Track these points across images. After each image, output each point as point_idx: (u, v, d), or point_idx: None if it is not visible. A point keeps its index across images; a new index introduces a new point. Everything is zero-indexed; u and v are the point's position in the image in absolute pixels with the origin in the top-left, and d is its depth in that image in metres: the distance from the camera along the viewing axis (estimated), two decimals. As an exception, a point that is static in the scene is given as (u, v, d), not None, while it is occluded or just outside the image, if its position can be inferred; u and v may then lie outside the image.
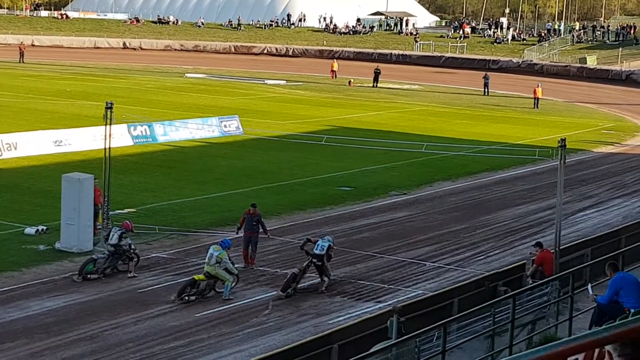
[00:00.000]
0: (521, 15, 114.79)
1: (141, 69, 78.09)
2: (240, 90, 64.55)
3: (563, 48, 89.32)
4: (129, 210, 28.31)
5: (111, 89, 59.39)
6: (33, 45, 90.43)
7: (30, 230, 25.42)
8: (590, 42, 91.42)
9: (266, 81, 71.86)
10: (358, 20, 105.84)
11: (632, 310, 13.93)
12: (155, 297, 21.00)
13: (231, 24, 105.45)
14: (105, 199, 24.90)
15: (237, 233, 24.09)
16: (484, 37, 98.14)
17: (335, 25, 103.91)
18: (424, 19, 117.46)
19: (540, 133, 48.66)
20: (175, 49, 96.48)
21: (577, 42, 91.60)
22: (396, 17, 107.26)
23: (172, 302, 20.57)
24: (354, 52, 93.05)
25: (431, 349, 15.35)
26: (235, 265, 21.88)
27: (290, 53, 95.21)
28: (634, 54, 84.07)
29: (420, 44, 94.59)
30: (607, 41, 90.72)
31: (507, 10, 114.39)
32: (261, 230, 23.89)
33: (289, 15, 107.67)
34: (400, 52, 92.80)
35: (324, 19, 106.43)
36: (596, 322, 15.13)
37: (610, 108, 63.09)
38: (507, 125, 52.37)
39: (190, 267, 23.07)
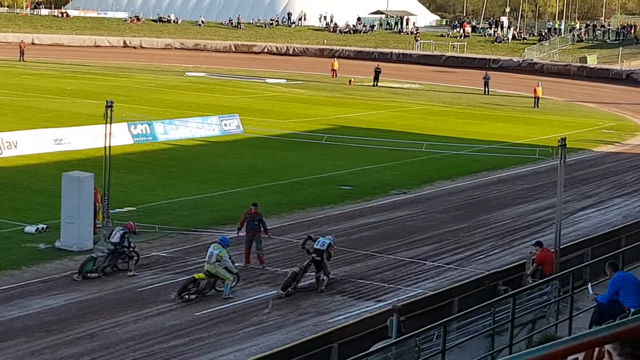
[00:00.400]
0: (522, 14, 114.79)
1: (141, 67, 78.09)
2: (240, 89, 64.55)
3: (563, 47, 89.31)
4: (129, 208, 28.31)
5: (111, 88, 59.39)
6: (33, 43, 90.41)
7: (30, 228, 25.42)
8: (590, 42, 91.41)
9: (266, 80, 71.86)
10: (358, 19, 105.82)
11: (632, 310, 13.93)
12: (155, 296, 21.01)
13: (231, 23, 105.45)
14: (105, 198, 24.89)
15: (237, 233, 24.06)
16: (485, 36, 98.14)
17: (335, 24, 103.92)
18: (424, 18, 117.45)
19: (541, 132, 48.66)
20: (176, 48, 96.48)
21: (578, 42, 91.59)
22: (397, 16, 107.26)
23: (172, 301, 20.58)
24: (355, 51, 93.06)
25: (431, 348, 15.35)
26: (236, 264, 21.89)
27: (290, 52, 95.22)
28: (635, 53, 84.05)
29: (420, 43, 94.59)
30: (608, 40, 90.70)
31: (507, 10, 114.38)
32: (262, 229, 23.86)
33: (289, 14, 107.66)
34: (401, 51, 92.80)
35: (325, 17, 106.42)
36: (596, 321, 15.13)
37: (610, 107, 63.09)
38: (507, 125, 52.36)
39: (190, 265, 23.07)
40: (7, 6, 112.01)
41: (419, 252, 25.60)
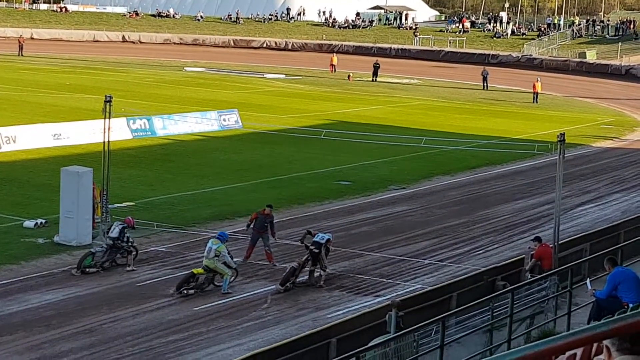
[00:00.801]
0: (521, 9, 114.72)
1: (140, 62, 78.02)
2: (239, 84, 64.51)
3: (562, 42, 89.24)
4: (128, 203, 28.31)
5: (110, 83, 59.33)
6: (32, 38, 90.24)
7: (29, 223, 25.42)
8: (589, 37, 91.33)
9: (265, 75, 71.80)
10: (357, 14, 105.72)
11: (631, 305, 13.94)
12: (154, 291, 21.02)
13: (230, 18, 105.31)
14: (104, 193, 24.89)
15: (247, 229, 23.94)
16: (484, 31, 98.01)
17: (334, 19, 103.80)
18: (423, 13, 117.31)
19: (540, 128, 48.66)
20: (175, 43, 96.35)
21: (577, 37, 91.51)
22: (395, 11, 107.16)
23: (170, 296, 20.59)
24: (353, 46, 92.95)
25: (429, 343, 15.38)
26: (234, 259, 21.89)
27: (289, 47, 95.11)
28: (634, 49, 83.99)
29: (419, 38, 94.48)
30: (607, 36, 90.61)
31: (506, 5, 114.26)
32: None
33: (288, 9, 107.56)
34: (400, 46, 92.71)
35: (323, 12, 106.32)
36: (595, 316, 15.13)
37: (609, 103, 63.07)
38: (506, 120, 52.36)
39: (189, 260, 23.08)
40: (6, 1, 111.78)
41: (418, 247, 25.62)
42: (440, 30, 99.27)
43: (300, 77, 71.45)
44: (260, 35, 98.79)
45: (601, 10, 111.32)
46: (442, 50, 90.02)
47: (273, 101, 55.65)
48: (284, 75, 72.13)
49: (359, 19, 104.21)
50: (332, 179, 34.31)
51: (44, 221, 25.49)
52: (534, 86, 61.88)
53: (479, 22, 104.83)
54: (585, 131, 48.86)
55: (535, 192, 33.65)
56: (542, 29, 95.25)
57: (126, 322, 19.01)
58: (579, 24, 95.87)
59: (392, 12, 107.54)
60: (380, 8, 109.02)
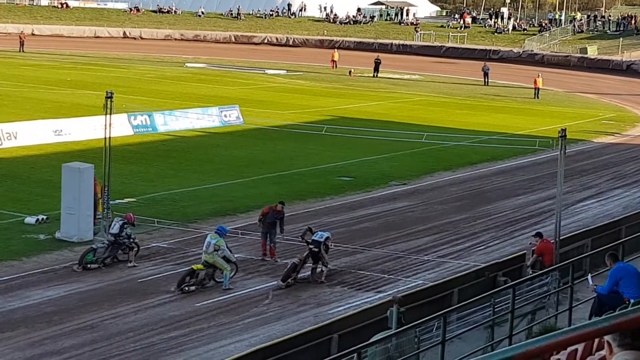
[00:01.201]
0: (522, 5, 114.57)
1: (141, 58, 77.99)
2: (240, 80, 64.49)
3: (564, 38, 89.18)
4: (129, 199, 28.31)
5: (111, 79, 59.33)
6: (33, 34, 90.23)
7: (30, 219, 25.43)
8: (591, 32, 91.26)
9: (266, 71, 71.76)
10: (358, 9, 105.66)
11: (632, 301, 13.95)
12: (155, 287, 21.03)
13: (231, 14, 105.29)
14: (105, 189, 24.89)
15: (259, 225, 23.92)
16: (485, 27, 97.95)
17: (335, 14, 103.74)
18: (424, 8, 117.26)
19: (541, 123, 48.64)
20: (176, 39, 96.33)
21: (578, 32, 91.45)
22: (397, 7, 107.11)
23: (172, 292, 20.59)
24: (355, 42, 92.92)
25: (431, 339, 15.37)
26: (235, 255, 21.89)
27: (290, 43, 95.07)
28: (635, 44, 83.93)
29: (420, 33, 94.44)
30: (608, 31, 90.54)
31: (507, 0, 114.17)
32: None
33: (289, 5, 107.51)
34: (401, 42, 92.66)
35: (325, 8, 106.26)
36: (596, 312, 15.15)
37: (610, 98, 63.04)
38: (507, 116, 52.33)
39: (190, 256, 23.08)
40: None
41: (419, 243, 25.62)
42: (442, 26, 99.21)
43: (302, 73, 71.42)
44: (261, 31, 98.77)
45: (602, 6, 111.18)
46: (443, 46, 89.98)
47: (274, 97, 55.64)
48: (285, 71, 72.10)
49: (360, 15, 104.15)
50: (333, 174, 34.31)
51: (45, 217, 25.50)
52: (535, 82, 61.84)
53: (480, 17, 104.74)
54: (587, 127, 48.83)
55: (536, 187, 33.64)
56: (543, 24, 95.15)
57: (127, 318, 19.02)
58: (580, 20, 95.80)
59: (393, 7, 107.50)
60: (382, 4, 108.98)
